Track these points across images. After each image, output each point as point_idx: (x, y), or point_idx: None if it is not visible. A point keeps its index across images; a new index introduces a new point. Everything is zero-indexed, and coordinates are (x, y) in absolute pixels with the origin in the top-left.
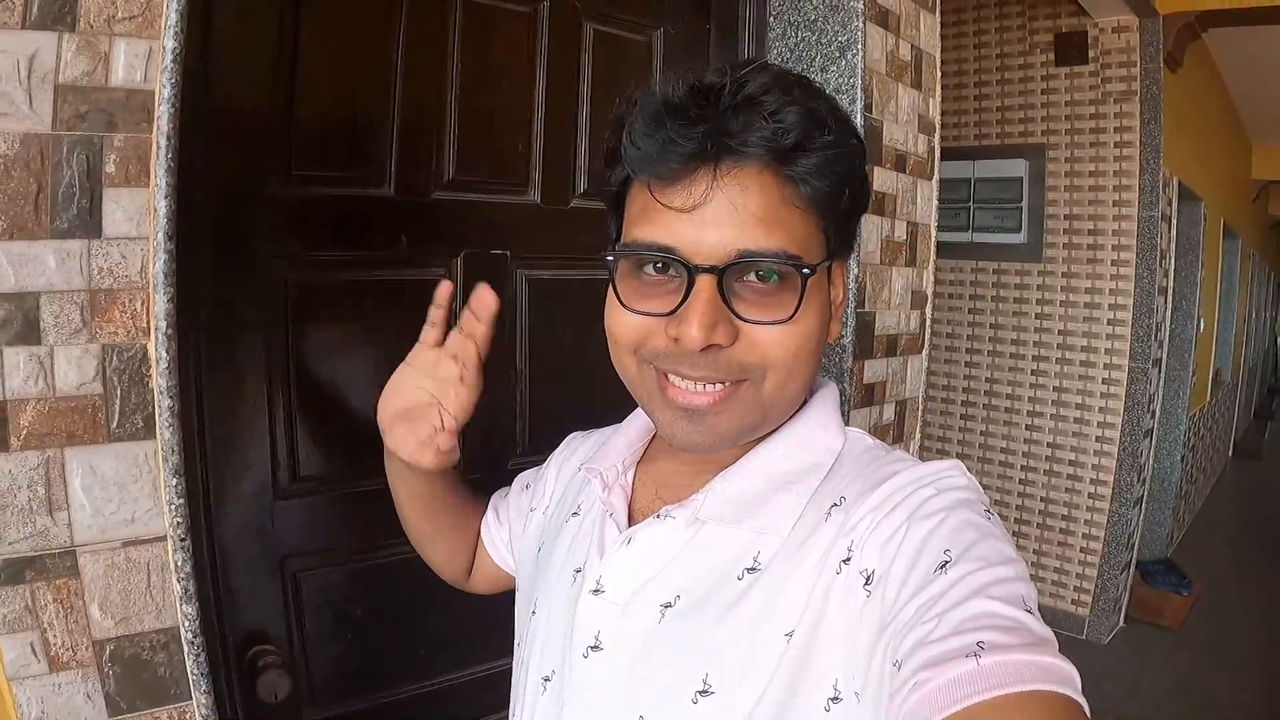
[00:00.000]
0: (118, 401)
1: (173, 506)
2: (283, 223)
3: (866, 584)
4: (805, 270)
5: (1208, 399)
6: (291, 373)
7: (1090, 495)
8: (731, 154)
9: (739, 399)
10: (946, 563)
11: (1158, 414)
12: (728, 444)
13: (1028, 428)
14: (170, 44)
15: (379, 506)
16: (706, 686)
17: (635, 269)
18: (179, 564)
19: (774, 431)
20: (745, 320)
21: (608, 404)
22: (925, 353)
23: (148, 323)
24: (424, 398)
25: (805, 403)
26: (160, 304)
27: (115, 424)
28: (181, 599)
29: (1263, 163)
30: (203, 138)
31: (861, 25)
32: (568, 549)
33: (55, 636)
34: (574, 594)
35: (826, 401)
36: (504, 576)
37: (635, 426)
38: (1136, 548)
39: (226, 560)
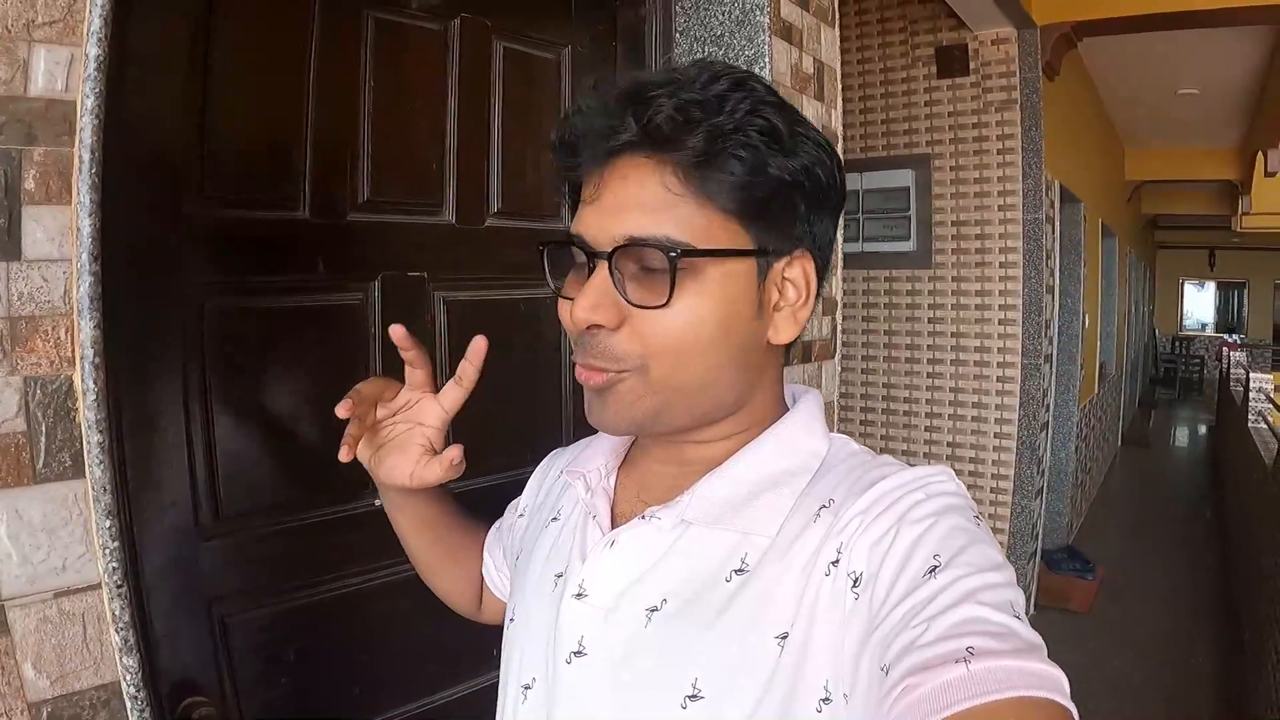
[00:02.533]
0: (43, 439)
1: (107, 551)
2: (196, 246)
3: (854, 586)
4: (672, 254)
5: (1095, 391)
6: (210, 404)
7: (993, 490)
8: (613, 145)
9: (625, 385)
10: (935, 568)
11: (1052, 408)
12: (626, 427)
13: (927, 429)
14: (93, 51)
15: (307, 542)
16: (696, 691)
17: (578, 265)
18: (117, 613)
19: (759, 433)
20: (630, 303)
21: (531, 424)
22: (838, 358)
23: (72, 352)
24: (399, 429)
25: (790, 407)
26: (86, 331)
27: (41, 464)
28: (121, 651)
29: (1134, 164)
30: (117, 155)
31: (768, 39)
32: (547, 554)
33: None
34: (555, 599)
35: (811, 406)
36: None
37: None
38: (1040, 537)
39: (151, 608)
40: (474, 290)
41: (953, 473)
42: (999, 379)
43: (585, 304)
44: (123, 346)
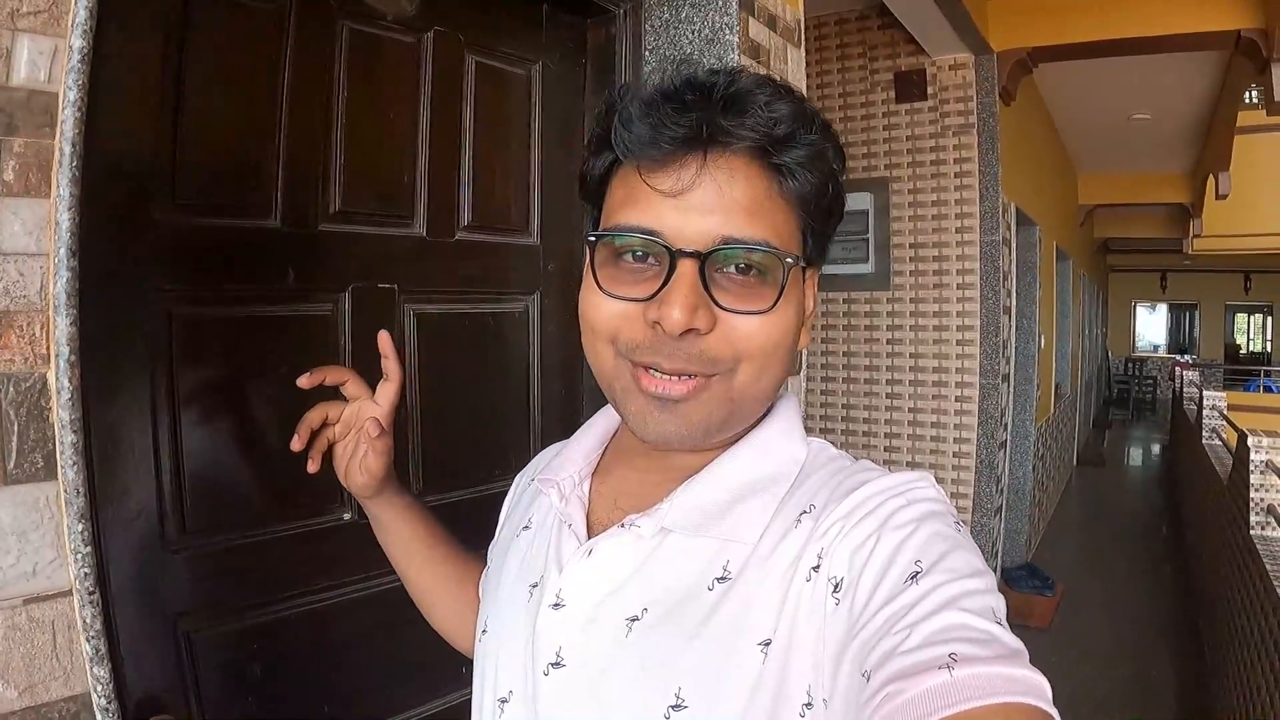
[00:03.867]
0: (14, 438)
1: (79, 556)
2: (166, 253)
3: (835, 592)
4: (788, 260)
5: (1052, 411)
6: (177, 414)
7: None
8: (722, 141)
9: (711, 391)
10: (917, 574)
11: (1010, 427)
12: (698, 437)
13: (886, 449)
14: (78, 43)
15: (275, 557)
16: (679, 701)
17: (614, 256)
18: (88, 620)
19: (738, 440)
20: (724, 309)
21: (500, 438)
22: (803, 375)
23: (47, 349)
24: (353, 443)
25: (767, 412)
26: (62, 327)
27: (13, 464)
28: (92, 660)
29: (1087, 189)
30: (92, 155)
31: (736, 58)
32: (520, 563)
33: None
34: (532, 609)
35: (789, 411)
36: None
37: (590, 437)
38: (1000, 555)
39: (117, 621)
40: (443, 303)
41: (933, 478)
42: (957, 399)
43: (685, 305)
44: (90, 351)
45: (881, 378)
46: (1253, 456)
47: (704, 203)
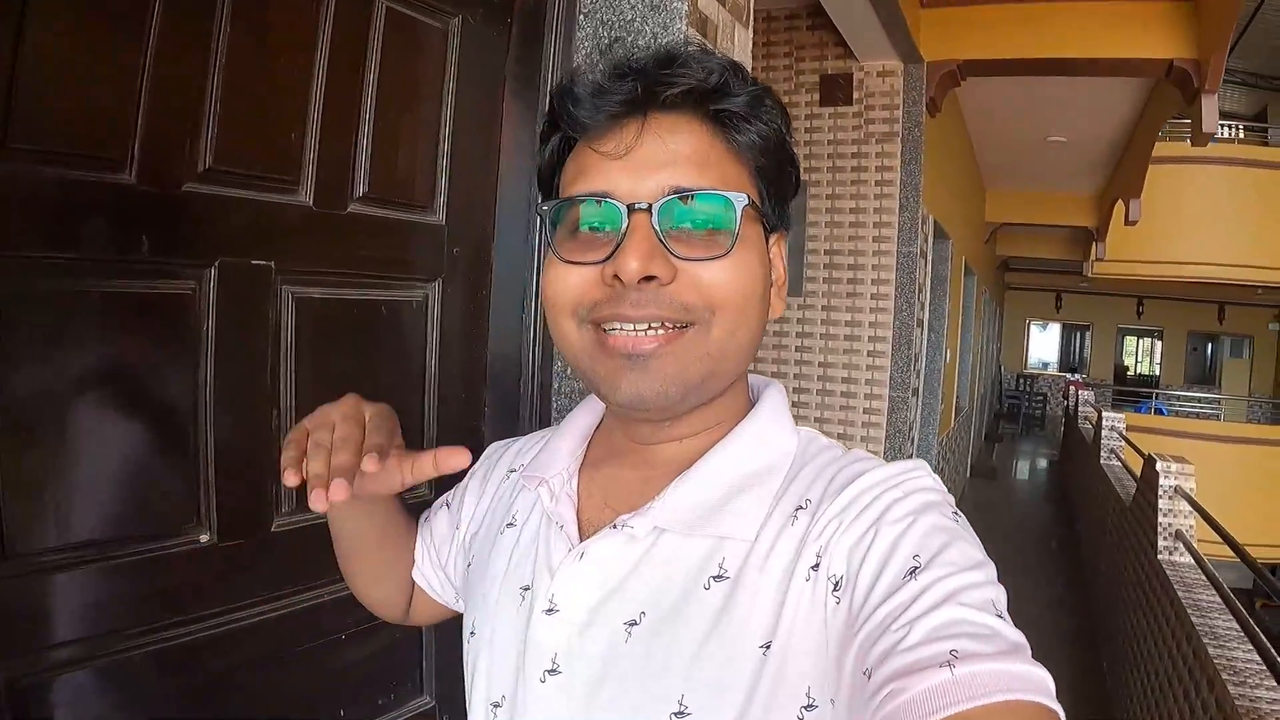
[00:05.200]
0: None
1: None
2: None
3: (835, 590)
4: (739, 199)
5: (952, 425)
6: None
7: None
8: (658, 92)
9: (684, 343)
10: (916, 568)
11: (915, 441)
12: (675, 396)
13: None
14: None
15: (118, 587)
16: (683, 708)
17: (571, 231)
18: None
19: (727, 432)
20: (682, 259)
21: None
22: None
23: None
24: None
25: (755, 402)
26: None
27: None
28: None
29: (994, 207)
30: None
31: (683, 29)
32: (507, 564)
33: None
34: (524, 614)
35: (776, 400)
36: (440, 608)
37: (573, 430)
38: None
39: None
40: (329, 287)
41: (929, 467)
42: (865, 410)
43: (639, 253)
44: None
45: (788, 385)
46: (1161, 481)
47: (650, 159)
